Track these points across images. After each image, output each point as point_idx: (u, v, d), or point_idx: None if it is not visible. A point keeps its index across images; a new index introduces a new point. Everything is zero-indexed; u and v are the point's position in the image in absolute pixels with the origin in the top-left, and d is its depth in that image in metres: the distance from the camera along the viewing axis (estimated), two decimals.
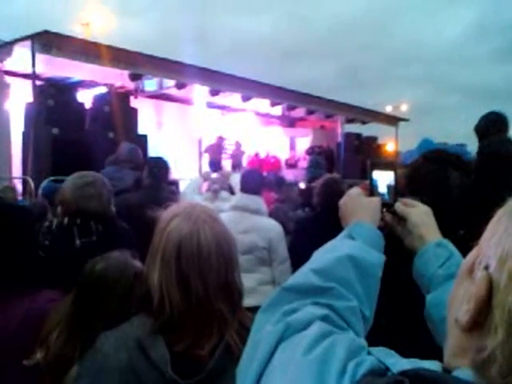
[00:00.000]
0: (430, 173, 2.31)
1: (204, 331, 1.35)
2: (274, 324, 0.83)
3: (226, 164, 12.85)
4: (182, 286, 1.34)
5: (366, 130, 17.16)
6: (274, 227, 4.08)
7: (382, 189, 1.27)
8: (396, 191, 1.27)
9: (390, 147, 17.53)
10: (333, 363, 0.69)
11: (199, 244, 1.35)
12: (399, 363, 0.68)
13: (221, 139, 13.13)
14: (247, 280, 3.86)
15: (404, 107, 31.04)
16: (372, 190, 1.26)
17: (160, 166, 4.35)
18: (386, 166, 1.30)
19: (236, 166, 12.88)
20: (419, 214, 1.23)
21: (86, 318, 1.65)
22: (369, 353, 0.73)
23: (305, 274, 0.98)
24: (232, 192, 5.17)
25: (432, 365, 0.66)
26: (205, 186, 5.33)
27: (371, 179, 1.27)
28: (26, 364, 1.61)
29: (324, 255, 1.05)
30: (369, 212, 1.19)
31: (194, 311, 1.34)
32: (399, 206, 1.25)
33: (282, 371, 0.73)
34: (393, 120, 17.62)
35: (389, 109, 27.57)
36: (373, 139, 17.02)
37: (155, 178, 4.21)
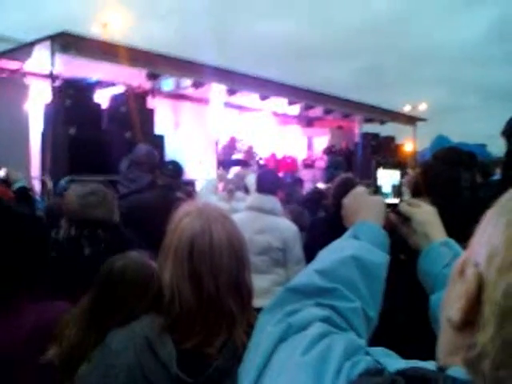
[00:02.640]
0: (440, 173, 2.27)
1: (213, 329, 1.35)
2: (275, 324, 0.83)
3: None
4: (194, 283, 1.34)
5: (384, 129, 17.06)
6: (289, 228, 4.05)
7: (387, 188, 1.27)
8: (400, 191, 1.26)
9: (408, 147, 17.41)
10: (329, 363, 0.69)
11: (211, 241, 1.36)
12: (396, 363, 0.67)
13: (233, 140, 13.06)
14: (261, 281, 3.85)
15: (422, 107, 30.75)
16: (376, 190, 1.26)
17: (173, 167, 4.36)
18: (392, 165, 1.29)
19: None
20: (424, 214, 1.23)
21: (102, 315, 1.66)
22: (367, 353, 0.72)
23: (308, 275, 0.98)
24: (247, 192, 5.17)
25: (429, 365, 0.65)
26: (220, 186, 5.34)
27: (375, 178, 1.27)
28: (42, 361, 1.62)
29: (328, 255, 1.04)
30: (373, 211, 1.18)
31: (204, 309, 1.35)
32: (404, 206, 1.25)
33: (280, 372, 0.73)
34: (411, 120, 17.48)
35: (407, 109, 27.33)
36: (391, 139, 16.91)
37: (168, 179, 4.21)
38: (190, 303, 1.34)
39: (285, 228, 4.03)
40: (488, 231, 0.60)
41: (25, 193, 3.83)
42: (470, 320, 0.58)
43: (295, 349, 0.74)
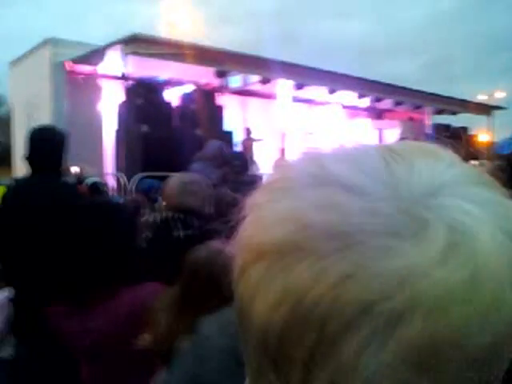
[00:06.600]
0: None
1: None
2: None
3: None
4: None
5: (457, 121, 16.51)
6: None
7: None
8: None
9: (482, 138, 16.77)
10: None
11: None
12: None
13: (248, 131, 11.94)
14: None
15: (499, 95, 29.48)
16: None
17: (240, 163, 4.41)
18: None
19: None
20: None
21: (194, 303, 1.68)
22: None
23: None
24: None
25: None
26: None
27: None
28: (137, 347, 1.66)
29: None
30: None
31: None
32: None
33: None
34: (485, 109, 16.81)
35: (482, 98, 26.29)
36: (463, 130, 16.32)
37: (237, 173, 4.27)
38: None
39: None
40: None
41: (98, 188, 3.97)
42: None
43: None
